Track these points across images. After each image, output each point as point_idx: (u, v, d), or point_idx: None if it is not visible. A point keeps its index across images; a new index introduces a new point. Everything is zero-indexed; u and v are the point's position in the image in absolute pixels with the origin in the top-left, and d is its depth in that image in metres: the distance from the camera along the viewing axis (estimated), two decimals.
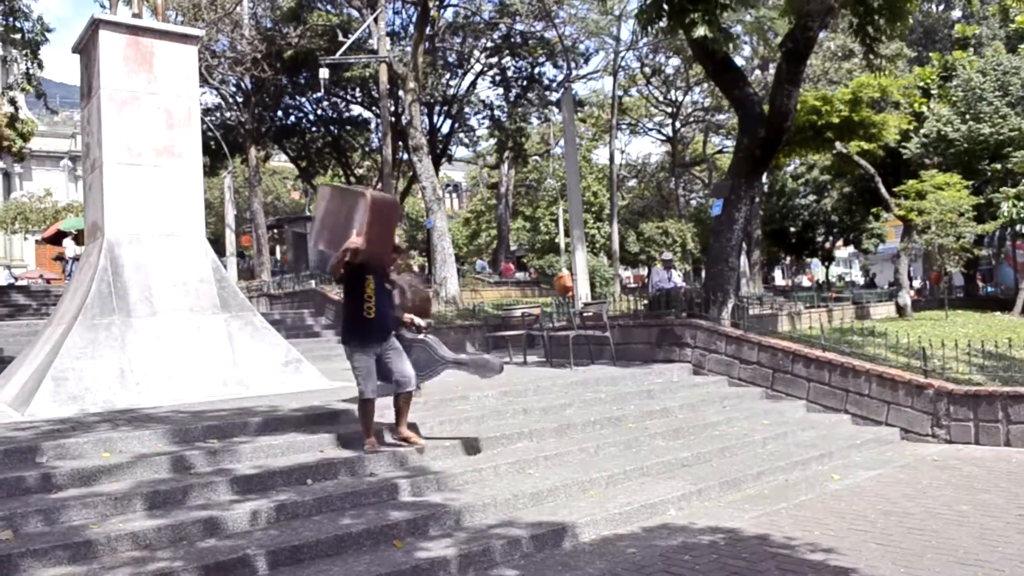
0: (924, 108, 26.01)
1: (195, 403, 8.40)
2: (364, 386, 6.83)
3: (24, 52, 18.08)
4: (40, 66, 18.09)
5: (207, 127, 27.69)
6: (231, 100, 31.80)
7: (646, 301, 14.85)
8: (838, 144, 22.44)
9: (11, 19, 17.02)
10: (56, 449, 6.19)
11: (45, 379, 8.29)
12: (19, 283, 30.76)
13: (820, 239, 38.87)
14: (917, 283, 35.66)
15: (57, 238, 29.09)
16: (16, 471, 5.78)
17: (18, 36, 17.59)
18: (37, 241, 39.33)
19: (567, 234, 29.69)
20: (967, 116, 24.09)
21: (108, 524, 5.27)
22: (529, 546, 5.61)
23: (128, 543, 5.07)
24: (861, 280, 49.03)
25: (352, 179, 36.48)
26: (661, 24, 11.19)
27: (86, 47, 10.23)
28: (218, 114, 32.59)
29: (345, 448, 6.85)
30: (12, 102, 21.12)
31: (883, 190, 23.86)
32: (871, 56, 12.31)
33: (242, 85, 30.65)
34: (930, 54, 29.70)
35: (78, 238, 24.72)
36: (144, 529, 5.18)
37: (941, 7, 36.53)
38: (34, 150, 33.52)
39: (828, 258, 42.22)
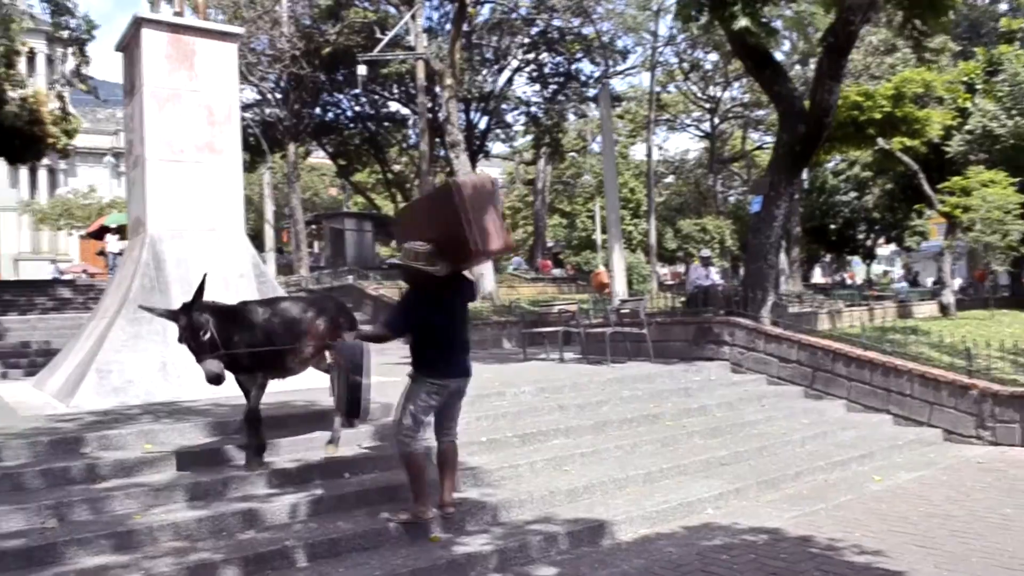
0: (969, 103, 25.51)
1: (235, 396, 8.45)
2: (422, 432, 5.49)
3: (72, 49, 18.49)
4: (87, 62, 18.47)
5: (247, 124, 27.96)
6: (270, 97, 32.08)
7: (684, 298, 14.75)
8: (880, 140, 22.12)
9: (59, 17, 17.39)
10: (100, 440, 6.30)
11: (89, 371, 8.44)
12: (64, 277, 31.36)
13: (861, 236, 38.27)
14: (960, 281, 34.98)
15: (100, 233, 29.55)
16: (62, 461, 5.89)
17: (65, 34, 17.98)
18: (81, 236, 40.06)
19: (604, 230, 29.58)
20: (1014, 111, 23.58)
21: (150, 515, 5.35)
22: (566, 543, 5.60)
23: (169, 533, 5.15)
24: (897, 278, 48.09)
25: (389, 175, 36.65)
26: (701, 19, 11.08)
27: (129, 45, 10.37)
28: (257, 111, 32.88)
29: (382, 442, 6.87)
30: (60, 97, 21.59)
31: (927, 187, 23.49)
32: (919, 50, 12.07)
33: (281, 82, 30.92)
34: (975, 48, 29.11)
35: (121, 233, 25.11)
36: (185, 520, 5.26)
37: (987, 0, 35.82)
38: (78, 147, 34.10)
39: (869, 256, 41.57)
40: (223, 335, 5.74)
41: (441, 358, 5.49)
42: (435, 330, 5.43)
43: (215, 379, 5.62)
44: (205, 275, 5.86)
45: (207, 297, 5.78)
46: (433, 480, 5.74)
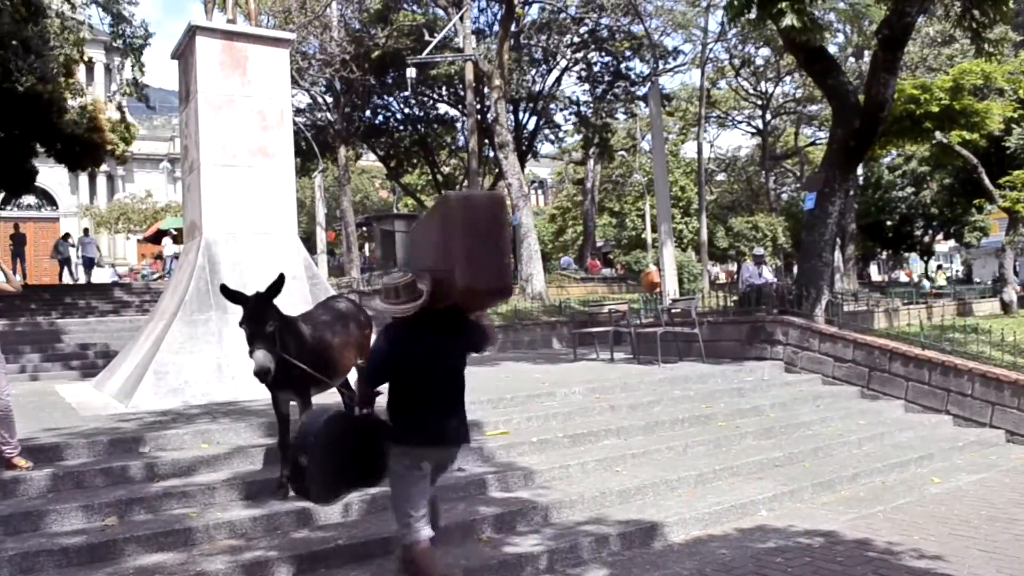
0: None
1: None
2: (417, 521, 4.09)
3: (128, 58, 18.98)
4: (142, 70, 18.91)
5: (298, 128, 28.29)
6: (321, 101, 32.47)
7: (736, 297, 14.57)
8: (938, 134, 21.60)
9: (117, 26, 17.87)
10: (158, 440, 6.43)
11: (147, 372, 8.62)
12: (122, 280, 32.08)
13: (918, 233, 37.43)
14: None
15: (157, 237, 30.23)
16: (121, 460, 6.02)
17: (121, 42, 18.46)
18: (139, 240, 40.96)
19: (654, 229, 29.39)
20: None
21: (206, 513, 5.44)
22: (617, 544, 5.57)
23: (225, 532, 5.23)
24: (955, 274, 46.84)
25: (439, 177, 36.84)
26: (750, 16, 10.93)
27: (184, 53, 10.57)
28: (309, 115, 33.29)
29: None
30: (119, 108, 22.15)
31: (987, 181, 22.89)
32: (979, 42, 11.76)
33: (332, 86, 31.26)
34: None
35: (176, 237, 25.64)
36: (240, 519, 5.33)
37: None
38: (135, 153, 34.87)
39: (927, 252, 40.65)
40: (281, 339, 5.44)
41: (421, 419, 4.13)
42: (412, 382, 4.11)
43: (263, 373, 5.17)
44: (282, 274, 5.72)
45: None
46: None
